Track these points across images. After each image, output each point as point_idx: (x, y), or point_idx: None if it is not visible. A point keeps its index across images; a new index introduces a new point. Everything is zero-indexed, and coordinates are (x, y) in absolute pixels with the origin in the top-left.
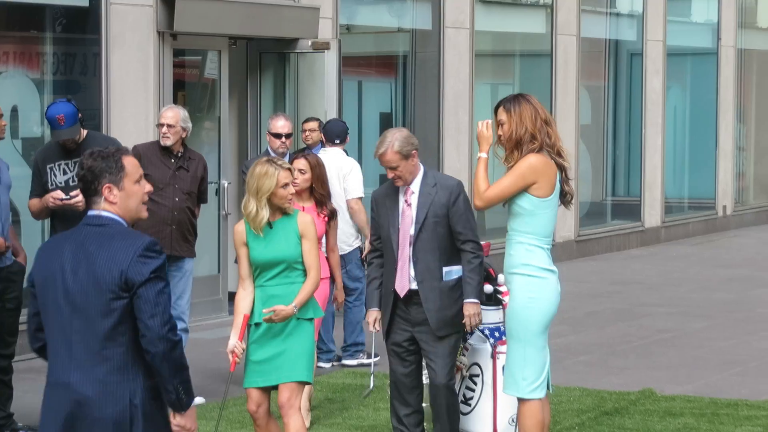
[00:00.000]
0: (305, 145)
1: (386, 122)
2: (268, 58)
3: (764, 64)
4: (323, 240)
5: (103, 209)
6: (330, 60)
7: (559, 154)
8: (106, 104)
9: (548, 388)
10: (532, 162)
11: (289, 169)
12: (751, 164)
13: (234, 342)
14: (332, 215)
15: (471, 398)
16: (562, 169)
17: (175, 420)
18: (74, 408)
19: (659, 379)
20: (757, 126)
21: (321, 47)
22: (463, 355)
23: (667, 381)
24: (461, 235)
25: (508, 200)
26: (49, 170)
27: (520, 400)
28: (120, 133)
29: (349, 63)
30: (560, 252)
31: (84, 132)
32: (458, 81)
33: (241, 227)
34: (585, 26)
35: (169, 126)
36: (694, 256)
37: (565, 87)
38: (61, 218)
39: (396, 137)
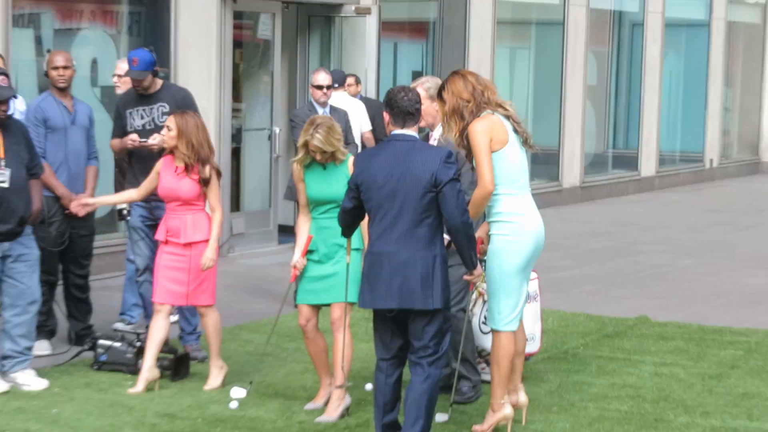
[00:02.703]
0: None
1: None
2: (315, 21)
3: (750, 35)
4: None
5: (411, 130)
6: (371, 24)
7: (499, 106)
8: (174, 59)
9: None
10: (476, 128)
11: (319, 145)
12: (735, 123)
13: (297, 258)
14: (205, 182)
15: None
16: (509, 117)
17: (466, 276)
18: (394, 267)
19: (653, 307)
20: (742, 90)
21: (363, 12)
22: (484, 282)
23: (659, 309)
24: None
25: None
26: (128, 114)
27: (494, 332)
28: (186, 84)
29: (386, 27)
30: (567, 197)
31: (159, 82)
32: (481, 45)
33: (298, 166)
34: None
35: (118, 76)
36: (684, 202)
37: (575, 52)
38: (138, 157)
39: (429, 79)
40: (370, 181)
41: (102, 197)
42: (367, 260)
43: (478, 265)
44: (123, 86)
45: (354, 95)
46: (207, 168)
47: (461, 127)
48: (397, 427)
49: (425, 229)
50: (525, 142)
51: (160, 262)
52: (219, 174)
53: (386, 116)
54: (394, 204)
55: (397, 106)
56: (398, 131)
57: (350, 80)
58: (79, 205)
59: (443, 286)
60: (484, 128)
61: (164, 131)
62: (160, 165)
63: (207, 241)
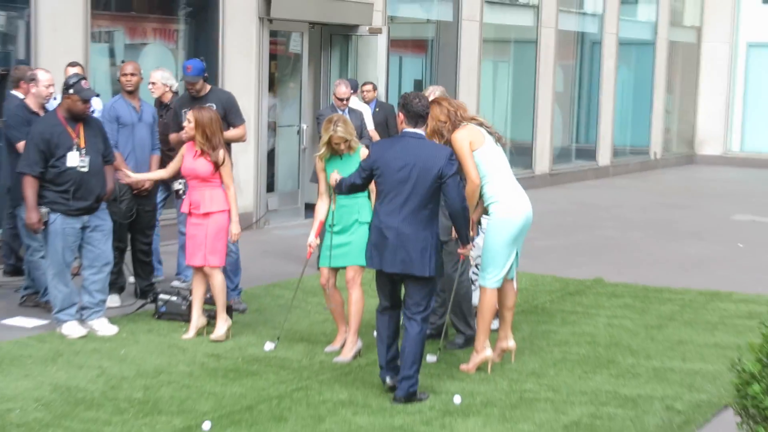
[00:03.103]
0: (364, 102)
1: (419, 87)
2: (336, 39)
3: (687, 52)
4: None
5: (421, 129)
6: (381, 41)
7: (472, 118)
8: (222, 69)
9: (510, 276)
10: (457, 137)
11: (342, 135)
12: (675, 123)
13: (311, 238)
14: (216, 165)
15: (476, 280)
16: (482, 125)
17: (459, 249)
18: (399, 240)
19: (607, 271)
20: (680, 96)
21: (375, 31)
22: (470, 251)
23: (612, 273)
24: None
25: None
26: (183, 113)
27: (482, 288)
28: (230, 88)
29: (393, 44)
30: (539, 182)
31: (208, 87)
32: (470, 59)
33: (320, 160)
34: (561, 21)
35: (152, 83)
36: (633, 187)
37: (546, 65)
38: None
39: (437, 88)
40: (385, 167)
41: (139, 174)
42: (375, 231)
43: (470, 241)
44: (156, 91)
45: (371, 100)
46: (219, 153)
47: (442, 143)
48: (396, 365)
49: (427, 212)
50: (498, 141)
51: (188, 231)
52: (229, 158)
53: (400, 116)
54: (405, 189)
55: (412, 109)
56: (410, 129)
57: (368, 87)
58: (123, 174)
59: (437, 258)
60: (463, 136)
61: (185, 123)
62: (184, 149)
63: (222, 211)
